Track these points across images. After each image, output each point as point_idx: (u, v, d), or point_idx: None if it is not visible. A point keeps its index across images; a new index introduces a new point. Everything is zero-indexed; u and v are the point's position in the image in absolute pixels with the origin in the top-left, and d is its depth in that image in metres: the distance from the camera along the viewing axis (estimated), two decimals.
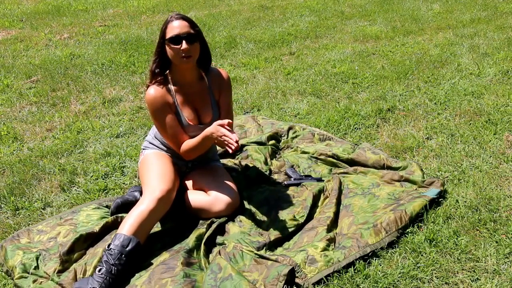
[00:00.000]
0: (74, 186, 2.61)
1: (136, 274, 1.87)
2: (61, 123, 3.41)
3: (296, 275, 1.82)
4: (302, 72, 4.23)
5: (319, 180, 2.49)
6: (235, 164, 2.65)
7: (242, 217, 2.19)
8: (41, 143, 3.13)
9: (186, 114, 2.20)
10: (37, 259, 1.99)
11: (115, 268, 1.80)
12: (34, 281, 1.88)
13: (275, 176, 2.59)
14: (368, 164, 2.58)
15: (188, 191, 2.26)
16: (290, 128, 3.04)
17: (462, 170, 2.50)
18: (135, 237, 1.88)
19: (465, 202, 2.22)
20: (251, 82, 4.06)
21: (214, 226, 2.11)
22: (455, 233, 2.02)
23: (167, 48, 2.07)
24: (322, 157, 2.69)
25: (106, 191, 2.55)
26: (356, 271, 1.86)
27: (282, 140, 2.97)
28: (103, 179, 2.66)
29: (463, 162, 2.58)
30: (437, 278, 1.81)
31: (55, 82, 4.22)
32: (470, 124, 3.02)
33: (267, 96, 3.72)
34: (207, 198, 2.18)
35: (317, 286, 1.80)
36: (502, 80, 3.75)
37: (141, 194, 2.27)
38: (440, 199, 2.24)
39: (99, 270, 1.79)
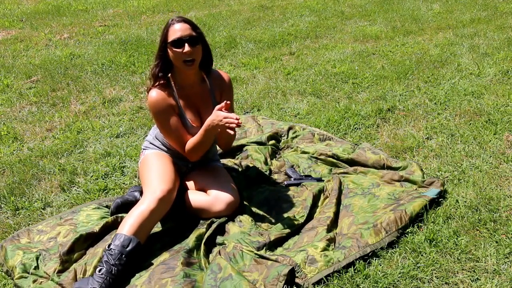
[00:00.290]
0: (74, 186, 2.61)
1: (136, 274, 1.87)
2: (61, 123, 3.41)
3: (296, 275, 1.82)
4: (302, 72, 4.23)
5: (319, 180, 2.49)
6: (235, 164, 2.65)
7: (242, 217, 2.19)
8: (41, 143, 3.13)
9: (189, 116, 2.20)
10: (37, 259, 1.99)
11: (115, 268, 1.80)
12: (34, 281, 1.88)
13: (275, 176, 2.59)
14: (368, 164, 2.58)
15: (188, 191, 2.26)
16: (290, 128, 3.04)
17: (462, 170, 2.50)
18: (136, 237, 1.88)
19: (465, 202, 2.22)
20: (251, 82, 4.06)
21: (214, 226, 2.11)
22: (455, 233, 2.02)
23: (169, 51, 2.06)
24: (322, 157, 2.69)
25: (106, 191, 2.55)
26: (356, 271, 1.86)
27: (282, 140, 2.97)
28: (103, 179, 2.66)
29: (463, 162, 2.58)
30: (437, 278, 1.81)
31: (55, 82, 4.22)
32: (470, 124, 3.02)
33: (267, 96, 3.72)
34: (207, 198, 2.18)
35: (317, 286, 1.80)
36: (502, 80, 3.75)
37: (141, 194, 2.27)
38: (440, 199, 2.24)
39: (99, 270, 1.79)
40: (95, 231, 2.08)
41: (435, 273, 1.83)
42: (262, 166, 2.64)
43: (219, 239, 2.07)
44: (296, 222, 2.15)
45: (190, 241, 2.02)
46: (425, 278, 1.81)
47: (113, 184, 2.59)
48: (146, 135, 2.98)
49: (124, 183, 2.60)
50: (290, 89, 3.83)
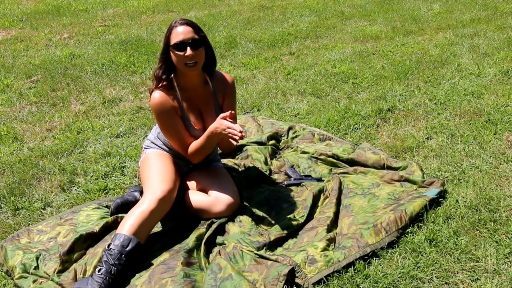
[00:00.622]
0: (74, 186, 2.61)
1: (136, 274, 1.87)
2: (61, 123, 3.41)
3: (296, 275, 1.82)
4: (302, 72, 4.23)
5: (319, 180, 2.49)
6: (235, 164, 2.65)
7: (242, 217, 2.19)
8: (41, 143, 3.13)
9: (192, 118, 2.20)
10: (37, 259, 1.99)
11: (115, 268, 1.80)
12: (34, 281, 1.88)
13: (275, 176, 2.59)
14: (368, 164, 2.58)
15: (188, 191, 2.26)
16: (290, 128, 3.04)
17: (462, 170, 2.50)
18: (135, 237, 1.88)
19: (465, 202, 2.22)
20: (251, 82, 4.06)
21: (214, 226, 2.11)
22: (455, 233, 2.02)
23: (171, 54, 2.06)
24: (322, 157, 2.69)
25: (106, 191, 2.55)
26: (356, 271, 1.86)
27: (282, 140, 2.97)
28: (103, 179, 2.66)
29: (463, 162, 2.58)
30: (437, 278, 1.81)
31: (55, 82, 4.22)
32: (470, 124, 3.02)
33: (267, 96, 3.72)
34: (207, 199, 2.18)
35: (317, 286, 1.80)
36: (502, 80, 3.75)
37: (141, 194, 2.27)
38: (440, 199, 2.24)
39: (99, 270, 1.79)
40: (95, 231, 2.08)
41: (435, 273, 1.83)
42: (262, 166, 2.64)
43: (219, 239, 2.07)
44: (296, 222, 2.15)
45: (190, 241, 2.02)
46: (425, 278, 1.81)
47: (113, 184, 2.59)
48: (146, 135, 2.98)
49: (124, 183, 2.60)
50: (290, 89, 3.83)
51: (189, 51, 2.01)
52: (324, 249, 1.92)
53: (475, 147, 2.73)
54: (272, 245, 2.04)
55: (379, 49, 4.77)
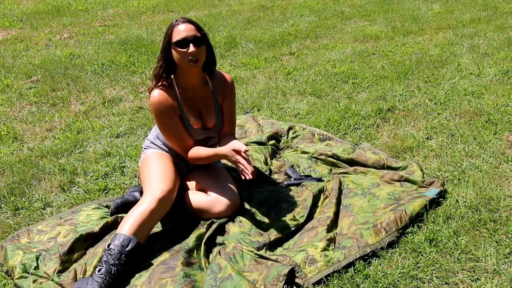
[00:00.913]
0: (74, 186, 2.61)
1: (136, 274, 1.87)
2: (61, 123, 3.41)
3: (296, 275, 1.82)
4: (302, 72, 4.23)
5: (319, 180, 2.49)
6: None
7: (242, 217, 2.19)
8: (41, 143, 3.13)
9: (191, 118, 2.20)
10: (37, 259, 1.99)
11: (115, 268, 1.80)
12: (34, 281, 1.88)
13: (275, 176, 2.59)
14: (368, 164, 2.58)
15: (188, 191, 2.26)
16: (290, 128, 3.04)
17: (462, 170, 2.50)
18: (135, 237, 1.88)
19: (465, 202, 2.22)
20: (251, 82, 4.06)
21: (214, 226, 2.11)
22: (455, 233, 2.02)
23: (173, 52, 2.05)
24: (322, 157, 2.69)
25: (106, 191, 2.55)
26: (356, 271, 1.86)
27: (282, 140, 2.97)
28: (103, 179, 2.66)
29: (463, 162, 2.58)
30: (437, 278, 1.81)
31: (55, 82, 4.22)
32: (470, 124, 3.03)
33: (267, 96, 3.72)
34: (207, 199, 2.18)
35: (317, 286, 1.80)
36: (502, 80, 3.75)
37: (141, 194, 2.27)
38: (440, 199, 2.24)
39: (99, 270, 1.79)
40: (95, 231, 2.08)
41: (435, 273, 1.83)
42: (262, 166, 2.64)
43: (219, 239, 2.07)
44: (296, 222, 2.15)
45: (190, 241, 2.02)
46: (425, 278, 1.81)
47: (113, 184, 2.59)
48: (146, 135, 2.98)
49: (124, 183, 2.60)
50: (290, 89, 3.83)
51: (192, 48, 2.01)
52: (324, 249, 1.92)
53: (475, 147, 2.73)
54: (272, 245, 2.04)
55: (379, 49, 4.77)
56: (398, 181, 2.41)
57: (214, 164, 2.40)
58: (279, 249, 2.03)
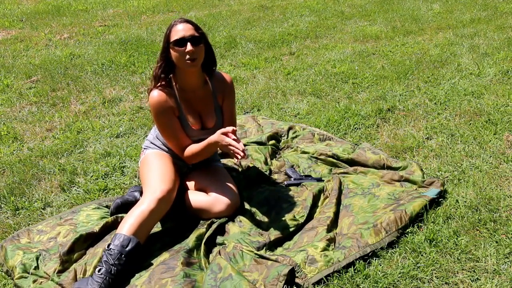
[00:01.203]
0: (74, 186, 2.61)
1: (136, 274, 1.87)
2: (61, 123, 3.41)
3: (296, 275, 1.82)
4: (302, 72, 4.23)
5: (319, 180, 2.49)
6: (235, 164, 2.65)
7: (242, 217, 2.19)
8: (41, 143, 3.13)
9: (190, 119, 2.20)
10: (37, 259, 1.99)
11: (115, 268, 1.80)
12: (34, 281, 1.87)
13: (275, 176, 2.59)
14: (368, 164, 2.58)
15: (188, 191, 2.26)
16: (290, 128, 3.04)
17: (462, 170, 2.50)
18: (135, 237, 1.88)
19: (465, 202, 2.22)
20: (251, 82, 4.06)
21: (214, 226, 2.11)
22: (455, 233, 2.02)
23: (171, 51, 2.06)
24: (322, 157, 2.69)
25: (106, 191, 2.55)
26: (356, 271, 1.86)
27: (282, 140, 2.97)
28: (103, 179, 2.66)
29: (463, 162, 2.58)
30: (437, 278, 1.81)
31: (55, 82, 4.22)
32: (470, 124, 3.03)
33: (267, 96, 3.72)
34: (207, 199, 2.18)
35: (317, 286, 1.80)
36: (502, 80, 3.75)
37: (141, 194, 2.27)
38: (440, 199, 2.24)
39: (99, 270, 1.79)
40: (95, 231, 2.08)
41: (435, 273, 1.83)
42: (262, 166, 2.64)
43: (219, 239, 2.07)
44: (296, 222, 2.15)
45: (190, 241, 2.02)
46: (425, 278, 1.81)
47: (113, 184, 2.59)
48: (146, 135, 2.98)
49: (124, 183, 2.60)
50: (290, 89, 3.83)
51: (189, 47, 2.01)
52: (324, 249, 1.92)
53: (475, 147, 2.73)
54: (272, 245, 2.04)
55: (379, 49, 4.77)
56: (398, 181, 2.41)
57: (214, 164, 2.40)
58: (279, 249, 2.03)
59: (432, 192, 2.24)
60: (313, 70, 4.26)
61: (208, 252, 2.02)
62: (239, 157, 1.94)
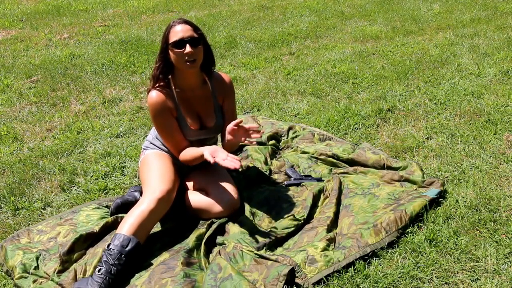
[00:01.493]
0: (74, 186, 2.61)
1: (136, 274, 1.87)
2: (61, 123, 3.41)
3: (296, 275, 1.82)
4: (302, 72, 4.23)
5: (319, 180, 2.49)
6: None
7: (242, 217, 2.19)
8: (41, 143, 3.13)
9: (188, 119, 2.20)
10: (37, 259, 1.99)
11: (115, 268, 1.80)
12: (34, 281, 1.88)
13: (275, 176, 2.59)
14: (368, 164, 2.58)
15: (188, 191, 2.26)
16: (290, 128, 3.04)
17: (462, 170, 2.50)
18: (135, 237, 1.88)
19: (465, 202, 2.22)
20: (251, 82, 4.06)
21: (214, 226, 2.11)
22: (455, 233, 2.02)
23: (170, 53, 2.06)
24: (322, 157, 2.69)
25: (106, 191, 2.55)
26: (356, 271, 1.86)
27: (282, 140, 2.97)
28: (103, 179, 2.66)
29: (463, 162, 2.58)
30: (437, 278, 1.81)
31: (55, 82, 4.22)
32: (470, 124, 3.03)
33: (267, 96, 3.72)
34: (207, 199, 2.18)
35: (317, 286, 1.80)
36: (502, 80, 3.75)
37: (141, 194, 2.27)
38: (440, 199, 2.24)
39: (99, 270, 1.79)
40: (95, 231, 2.08)
41: (435, 273, 1.83)
42: (262, 166, 2.64)
43: (219, 239, 2.07)
44: (296, 222, 2.15)
45: (190, 241, 2.02)
46: (425, 278, 1.81)
47: (113, 184, 2.59)
48: (146, 135, 2.98)
49: (124, 183, 2.60)
50: (290, 89, 3.83)
51: (188, 48, 2.01)
52: (324, 249, 1.92)
53: (475, 147, 2.73)
54: (272, 245, 2.04)
55: (379, 49, 4.77)
56: (398, 181, 2.41)
57: (214, 164, 2.40)
58: (279, 249, 2.03)
59: (432, 192, 2.24)
60: (313, 70, 4.26)
61: (208, 252, 2.02)
62: (232, 168, 1.89)
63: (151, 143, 2.34)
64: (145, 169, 2.19)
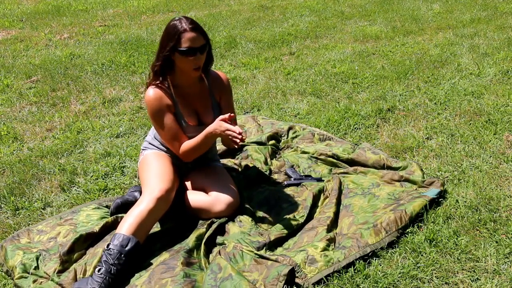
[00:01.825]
0: (74, 186, 2.61)
1: (136, 274, 1.87)
2: (61, 123, 3.41)
3: (296, 275, 1.82)
4: (302, 72, 4.23)
5: (319, 180, 2.49)
6: (235, 164, 2.65)
7: (242, 217, 2.19)
8: (41, 143, 3.13)
9: (186, 115, 2.20)
10: (37, 259, 1.99)
11: (115, 268, 1.80)
12: (34, 281, 1.88)
13: (275, 176, 2.59)
14: (368, 164, 2.58)
15: (188, 191, 2.26)
16: (290, 128, 3.04)
17: (462, 170, 2.50)
18: (134, 236, 1.88)
19: (465, 202, 2.22)
20: (251, 82, 4.06)
21: (214, 226, 2.11)
22: (455, 233, 2.02)
23: (177, 56, 2.05)
24: (322, 157, 2.69)
25: (106, 191, 2.55)
26: (356, 271, 1.86)
27: (282, 140, 2.97)
28: (103, 179, 2.66)
29: (463, 162, 2.58)
30: (437, 278, 1.81)
31: (55, 82, 4.22)
32: (470, 124, 3.02)
33: (267, 96, 3.72)
34: (207, 199, 2.18)
35: (317, 286, 1.80)
36: (502, 80, 3.75)
37: (141, 194, 2.26)
38: (440, 199, 2.24)
39: (99, 270, 1.79)
40: (95, 231, 2.08)
41: (435, 273, 1.83)
42: (262, 166, 2.64)
43: (219, 239, 2.07)
44: (296, 222, 2.15)
45: (190, 241, 2.02)
46: (425, 278, 1.81)
47: (113, 184, 2.59)
48: (146, 135, 2.98)
49: (124, 183, 2.60)
50: (290, 89, 3.83)
51: (199, 57, 2.04)
52: (324, 249, 1.92)
53: (475, 147, 2.73)
54: (272, 245, 2.04)
55: (379, 49, 4.77)
56: (398, 181, 2.41)
57: (214, 164, 2.40)
58: (279, 249, 2.03)
59: (432, 192, 2.24)
60: (313, 70, 4.26)
61: (208, 252, 2.02)
62: (237, 140, 1.93)
63: (149, 143, 2.34)
64: (144, 169, 2.19)
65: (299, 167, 2.67)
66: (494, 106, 3.24)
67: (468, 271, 1.83)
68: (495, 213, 2.14)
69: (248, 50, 5.00)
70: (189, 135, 2.21)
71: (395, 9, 6.45)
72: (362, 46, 4.91)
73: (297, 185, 2.46)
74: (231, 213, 2.18)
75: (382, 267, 1.87)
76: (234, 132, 1.93)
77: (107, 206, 2.36)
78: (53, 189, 2.59)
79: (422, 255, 1.92)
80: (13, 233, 2.21)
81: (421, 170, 2.44)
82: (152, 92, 2.11)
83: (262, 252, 1.97)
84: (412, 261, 1.88)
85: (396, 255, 1.93)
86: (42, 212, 2.39)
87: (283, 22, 6.12)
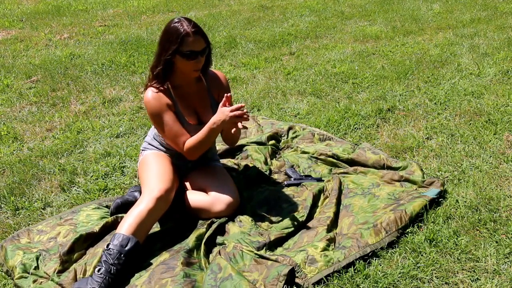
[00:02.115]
0: (74, 186, 2.61)
1: (136, 274, 1.87)
2: (61, 123, 3.41)
3: (296, 275, 1.82)
4: (302, 72, 4.23)
5: (319, 180, 2.49)
6: (235, 164, 2.65)
7: (242, 217, 2.19)
8: (41, 143, 3.13)
9: (185, 114, 2.20)
10: (37, 259, 1.99)
11: (114, 268, 1.80)
12: (34, 281, 1.87)
13: (275, 176, 2.59)
14: (368, 164, 2.58)
15: (187, 191, 2.26)
16: (290, 128, 3.04)
17: (462, 170, 2.50)
18: (134, 236, 1.89)
19: (465, 202, 2.22)
20: (251, 82, 4.06)
21: (214, 226, 2.11)
22: (455, 233, 2.02)
23: (178, 58, 2.04)
24: (322, 157, 2.69)
25: (106, 191, 2.55)
26: (356, 271, 1.86)
27: (282, 140, 2.97)
28: (103, 179, 2.66)
29: (463, 162, 2.58)
30: (437, 278, 1.81)
31: (55, 82, 4.22)
32: (470, 124, 3.03)
33: (267, 96, 3.72)
34: (207, 198, 2.18)
35: (317, 286, 1.80)
36: (502, 80, 3.75)
37: (140, 194, 2.26)
38: (440, 199, 2.24)
39: (99, 270, 1.79)
40: (95, 231, 2.08)
41: (435, 273, 1.83)
42: (262, 166, 2.64)
43: (219, 239, 2.07)
44: (296, 222, 2.15)
45: (190, 241, 2.02)
46: (425, 278, 1.81)
47: (113, 184, 2.59)
48: (146, 135, 2.98)
49: (124, 183, 2.60)
50: (290, 89, 3.83)
51: (200, 60, 2.05)
52: (324, 249, 1.92)
53: (475, 147, 2.73)
54: (272, 245, 2.04)
55: (379, 49, 4.77)
56: (398, 181, 2.41)
57: (213, 164, 2.40)
58: (279, 249, 2.03)
59: (432, 192, 2.24)
60: (313, 70, 4.26)
61: (208, 252, 2.02)
62: (242, 119, 1.95)
63: (149, 144, 2.34)
64: (144, 170, 2.19)
65: (299, 167, 2.67)
66: (494, 106, 3.24)
67: (468, 271, 1.83)
68: (495, 213, 2.14)
69: (248, 50, 5.00)
70: (190, 134, 2.21)
71: (395, 9, 6.45)
72: (362, 46, 4.91)
73: (297, 185, 2.46)
74: (231, 213, 2.18)
75: (382, 267, 1.87)
76: (237, 109, 1.95)
77: (107, 206, 2.36)
78: (53, 189, 2.59)
79: (422, 255, 1.92)
80: (13, 233, 2.21)
81: (421, 170, 2.44)
82: (151, 93, 2.11)
83: (262, 252, 1.97)
84: (412, 261, 1.88)
85: (396, 255, 1.93)
86: (42, 212, 2.39)
87: (283, 22, 6.12)
